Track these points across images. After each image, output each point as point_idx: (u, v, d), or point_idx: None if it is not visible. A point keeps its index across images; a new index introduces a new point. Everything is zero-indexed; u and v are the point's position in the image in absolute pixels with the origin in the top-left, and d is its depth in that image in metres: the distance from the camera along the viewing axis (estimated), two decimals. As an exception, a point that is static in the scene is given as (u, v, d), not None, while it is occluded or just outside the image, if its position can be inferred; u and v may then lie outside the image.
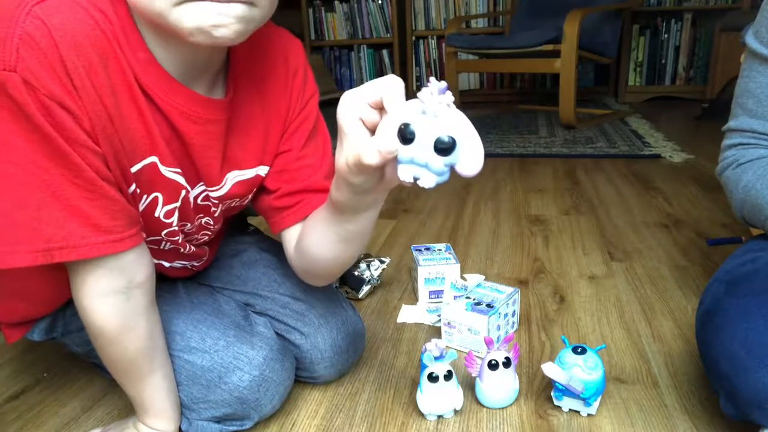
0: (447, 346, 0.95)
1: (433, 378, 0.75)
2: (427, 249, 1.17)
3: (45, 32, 0.51)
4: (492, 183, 1.93)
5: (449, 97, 0.47)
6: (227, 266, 0.89)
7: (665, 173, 1.97)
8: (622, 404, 0.79)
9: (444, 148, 0.46)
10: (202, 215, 0.76)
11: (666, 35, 3.49)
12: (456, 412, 0.79)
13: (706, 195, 1.71)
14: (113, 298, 0.63)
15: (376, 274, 1.14)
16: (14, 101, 0.51)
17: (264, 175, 0.76)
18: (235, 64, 0.69)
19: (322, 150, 0.79)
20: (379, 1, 3.79)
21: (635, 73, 3.58)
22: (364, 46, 3.90)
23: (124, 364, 0.68)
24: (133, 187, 0.64)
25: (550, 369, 0.74)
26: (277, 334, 0.81)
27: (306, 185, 0.76)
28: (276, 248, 0.90)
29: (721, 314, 0.68)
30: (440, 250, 1.16)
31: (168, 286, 0.81)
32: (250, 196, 0.79)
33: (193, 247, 0.79)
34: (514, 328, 1.00)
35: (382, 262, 1.15)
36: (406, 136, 0.47)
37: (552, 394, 0.79)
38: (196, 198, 0.72)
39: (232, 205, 0.78)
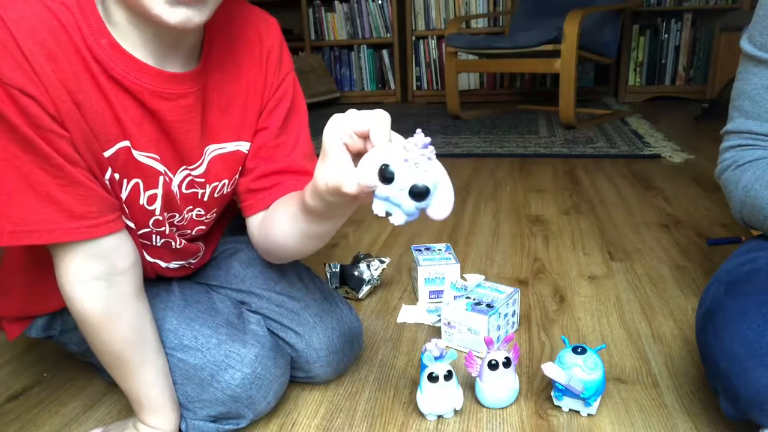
0: (447, 346, 0.95)
1: (433, 378, 0.75)
2: (427, 249, 1.17)
3: (0, 24, 0.54)
4: (492, 183, 1.93)
5: (431, 151, 0.51)
6: (225, 265, 0.89)
7: (665, 173, 1.97)
8: (622, 404, 0.80)
9: (418, 193, 0.51)
10: (191, 207, 0.76)
11: (666, 35, 3.49)
12: (456, 412, 0.79)
13: (706, 195, 1.71)
14: (94, 284, 0.64)
15: (376, 274, 1.14)
16: None
17: (245, 152, 0.77)
18: (209, 39, 0.70)
19: (297, 129, 0.80)
20: (379, 1, 3.79)
21: (635, 73, 3.58)
22: (364, 46, 3.89)
23: (113, 355, 0.69)
24: (110, 172, 0.65)
25: (550, 369, 0.74)
26: (272, 333, 0.81)
27: (284, 166, 0.78)
28: None
29: (721, 314, 0.68)
30: (440, 250, 1.16)
31: (163, 285, 0.82)
32: (237, 177, 0.79)
33: (184, 241, 0.79)
34: (514, 328, 1.00)
35: (382, 262, 1.15)
36: (385, 175, 0.51)
37: (552, 394, 0.79)
38: (180, 185, 0.73)
39: (223, 191, 0.79)
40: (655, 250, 1.32)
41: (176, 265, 0.82)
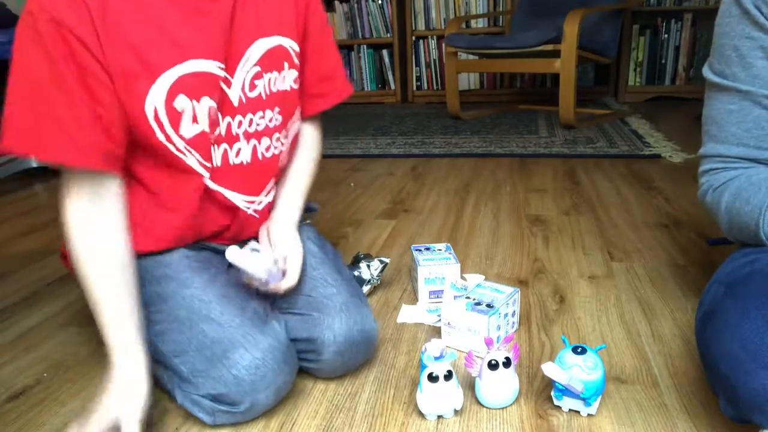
0: (447, 346, 0.95)
1: (433, 378, 0.75)
2: (427, 249, 1.17)
3: None
4: (492, 183, 1.93)
5: None
6: None
7: (665, 173, 1.97)
8: (622, 404, 0.80)
9: None
10: (257, 110, 0.85)
11: (666, 35, 3.49)
12: (456, 412, 0.79)
13: (706, 195, 1.71)
14: (86, 201, 0.75)
15: (376, 274, 1.14)
16: (40, 35, 0.66)
17: (290, 50, 0.88)
18: None
19: (331, 36, 0.97)
20: (379, 1, 3.79)
21: (635, 73, 3.58)
22: (364, 46, 3.89)
23: (91, 284, 0.74)
24: (164, 96, 0.75)
25: (550, 369, 0.74)
26: (294, 320, 0.86)
27: (331, 70, 0.97)
28: (319, 240, 0.99)
29: (720, 316, 0.68)
30: (440, 250, 1.16)
31: (215, 267, 0.87)
32: (287, 72, 0.88)
33: (261, 152, 0.87)
34: (514, 328, 1.00)
35: (382, 262, 1.15)
36: None
37: (552, 394, 0.79)
38: (242, 88, 0.82)
39: (279, 86, 0.87)
40: (655, 250, 1.32)
41: (241, 200, 0.88)
